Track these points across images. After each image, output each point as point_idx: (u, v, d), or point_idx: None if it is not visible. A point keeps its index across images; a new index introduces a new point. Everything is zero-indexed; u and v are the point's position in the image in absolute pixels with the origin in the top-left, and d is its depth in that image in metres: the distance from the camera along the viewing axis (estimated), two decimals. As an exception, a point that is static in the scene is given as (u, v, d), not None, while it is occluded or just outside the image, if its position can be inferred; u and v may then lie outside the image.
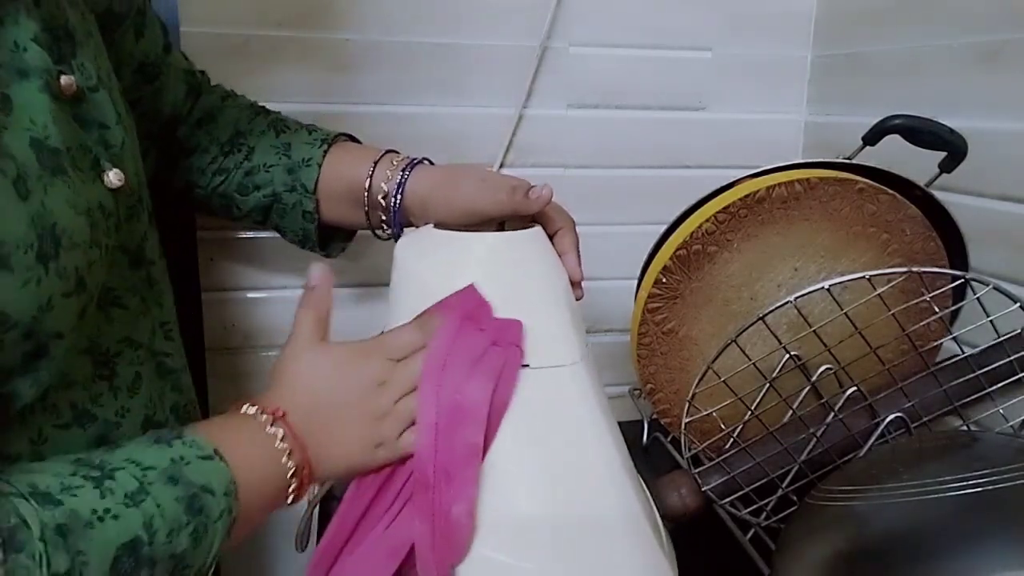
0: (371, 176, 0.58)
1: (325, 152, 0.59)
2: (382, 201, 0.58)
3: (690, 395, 0.54)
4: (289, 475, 0.41)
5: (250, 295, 0.76)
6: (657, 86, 0.80)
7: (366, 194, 0.58)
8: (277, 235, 0.74)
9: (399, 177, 0.57)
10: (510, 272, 0.48)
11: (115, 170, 0.40)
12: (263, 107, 0.64)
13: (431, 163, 0.60)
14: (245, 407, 0.42)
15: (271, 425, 0.41)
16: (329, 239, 0.64)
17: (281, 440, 0.41)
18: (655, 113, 0.81)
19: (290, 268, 0.76)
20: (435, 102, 0.75)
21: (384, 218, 0.59)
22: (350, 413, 0.44)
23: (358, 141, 0.65)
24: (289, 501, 0.42)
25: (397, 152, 0.60)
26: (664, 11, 0.78)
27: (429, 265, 0.50)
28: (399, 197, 0.57)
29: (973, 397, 0.57)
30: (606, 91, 0.79)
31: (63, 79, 0.38)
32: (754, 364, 0.54)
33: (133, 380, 0.43)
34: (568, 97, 0.78)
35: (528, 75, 0.76)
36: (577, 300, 0.53)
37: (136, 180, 0.44)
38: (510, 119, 0.77)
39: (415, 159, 0.59)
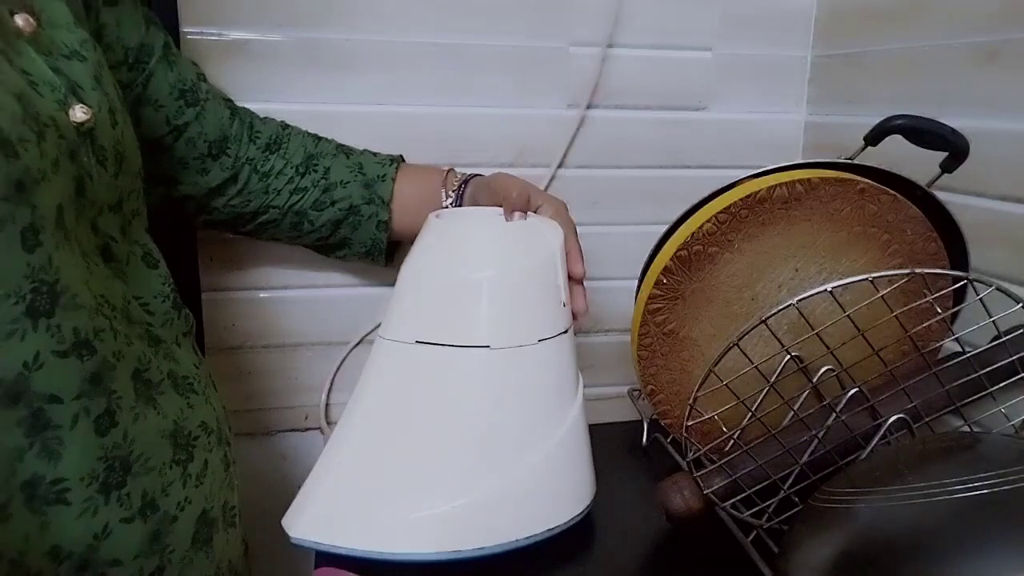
0: (444, 188, 0.67)
1: (396, 169, 0.67)
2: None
3: (692, 399, 0.54)
4: None
5: (250, 295, 0.76)
6: (657, 86, 0.80)
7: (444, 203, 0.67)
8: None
9: (458, 190, 0.67)
10: (489, 251, 0.56)
11: (81, 105, 0.40)
12: (319, 136, 0.69)
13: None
14: None
15: None
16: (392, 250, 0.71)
17: None
18: (655, 113, 0.81)
19: (290, 268, 0.76)
20: (435, 102, 0.75)
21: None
22: None
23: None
24: None
25: (453, 170, 0.69)
26: (664, 11, 0.78)
27: (446, 232, 0.58)
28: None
29: (975, 397, 0.57)
30: (606, 91, 0.79)
31: (19, 18, 0.40)
32: (756, 367, 0.54)
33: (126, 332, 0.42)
34: (568, 97, 0.78)
35: (528, 75, 0.76)
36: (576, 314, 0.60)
37: (113, 133, 0.44)
38: (510, 119, 0.77)
39: (470, 175, 0.68)
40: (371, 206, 0.66)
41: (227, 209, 0.64)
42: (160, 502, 0.41)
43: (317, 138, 0.68)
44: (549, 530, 0.56)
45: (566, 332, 0.58)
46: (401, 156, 0.70)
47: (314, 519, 0.53)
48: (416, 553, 0.52)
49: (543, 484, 0.56)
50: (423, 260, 0.57)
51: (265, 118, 0.67)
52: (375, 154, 0.69)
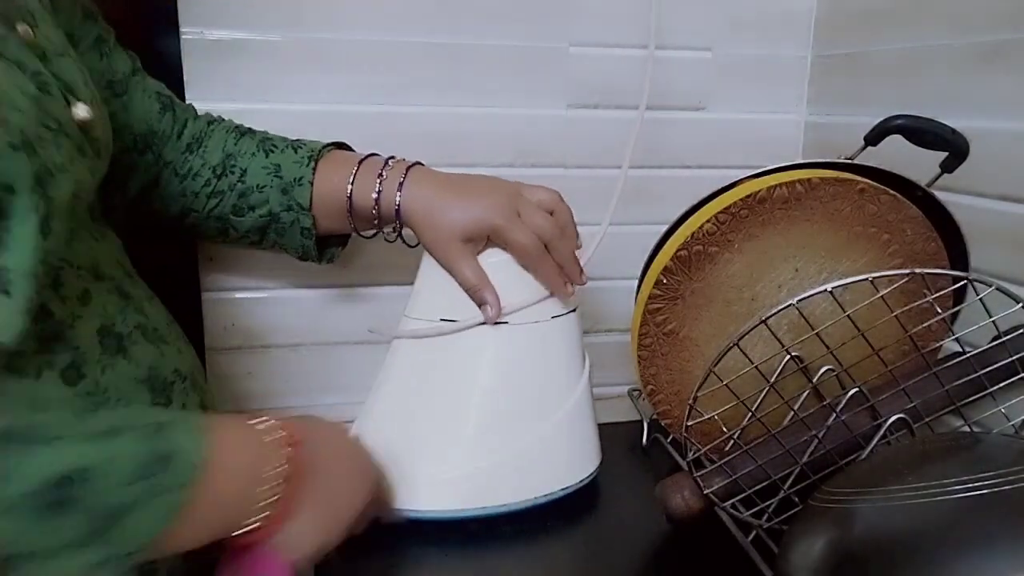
0: (351, 186, 0.60)
1: (314, 169, 0.61)
2: (371, 211, 0.60)
3: (692, 399, 0.54)
4: (266, 496, 0.41)
5: (250, 295, 0.76)
6: (657, 86, 0.80)
7: (348, 202, 0.60)
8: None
9: (385, 186, 0.59)
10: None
11: (82, 104, 0.44)
12: (248, 128, 0.65)
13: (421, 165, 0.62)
14: (262, 420, 0.43)
15: (280, 444, 0.43)
16: (325, 247, 0.67)
17: (279, 461, 0.42)
18: (655, 113, 0.81)
19: (290, 268, 0.75)
20: (435, 102, 0.75)
21: (377, 223, 0.61)
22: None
23: (347, 147, 0.66)
24: (248, 526, 0.41)
25: (379, 156, 0.62)
26: (664, 11, 0.78)
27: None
28: (395, 204, 0.59)
29: (975, 397, 0.57)
30: (606, 91, 0.79)
31: (20, 27, 0.42)
32: (756, 367, 0.54)
33: (82, 293, 0.44)
34: (568, 97, 0.78)
35: (528, 75, 0.76)
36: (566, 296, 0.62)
37: (103, 126, 0.47)
38: (510, 119, 0.77)
39: (409, 165, 0.61)
40: (291, 213, 0.61)
41: (152, 213, 0.62)
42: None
43: (241, 133, 0.63)
44: (563, 488, 0.62)
45: (575, 310, 0.64)
46: (326, 146, 0.63)
47: None
48: (448, 511, 0.59)
49: (555, 448, 0.62)
50: None
51: (201, 115, 0.64)
52: (297, 149, 0.62)
